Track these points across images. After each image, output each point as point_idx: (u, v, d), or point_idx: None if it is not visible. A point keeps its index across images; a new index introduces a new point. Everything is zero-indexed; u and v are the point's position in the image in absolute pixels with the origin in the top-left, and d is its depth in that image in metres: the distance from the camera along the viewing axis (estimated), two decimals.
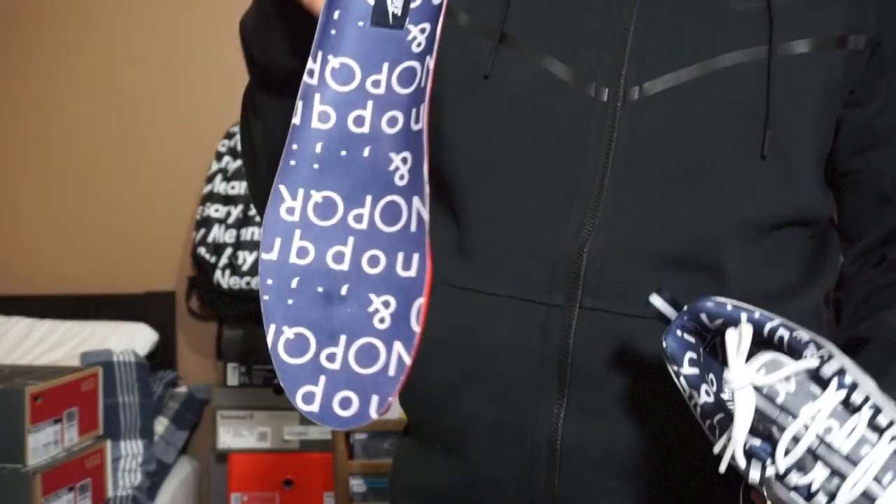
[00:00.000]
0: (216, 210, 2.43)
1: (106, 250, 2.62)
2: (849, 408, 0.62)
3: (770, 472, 0.62)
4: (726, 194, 0.79)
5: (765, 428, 0.62)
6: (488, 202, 0.82)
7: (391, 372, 0.67)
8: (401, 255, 0.68)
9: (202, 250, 2.40)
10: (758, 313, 0.66)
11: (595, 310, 0.78)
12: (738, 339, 0.63)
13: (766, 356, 0.63)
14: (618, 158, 0.79)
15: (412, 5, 0.71)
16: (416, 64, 0.70)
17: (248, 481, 2.37)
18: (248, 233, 2.38)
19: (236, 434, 2.40)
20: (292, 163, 0.71)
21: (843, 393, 0.62)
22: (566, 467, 0.79)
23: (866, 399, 0.62)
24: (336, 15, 0.71)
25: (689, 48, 0.79)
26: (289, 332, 0.69)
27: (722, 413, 0.67)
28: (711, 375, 0.70)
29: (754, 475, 0.63)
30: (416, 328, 0.67)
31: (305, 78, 0.71)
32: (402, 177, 0.69)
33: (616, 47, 0.80)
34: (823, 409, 0.61)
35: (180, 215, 2.61)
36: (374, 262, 0.69)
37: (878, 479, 0.61)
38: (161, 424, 2.35)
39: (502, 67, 0.82)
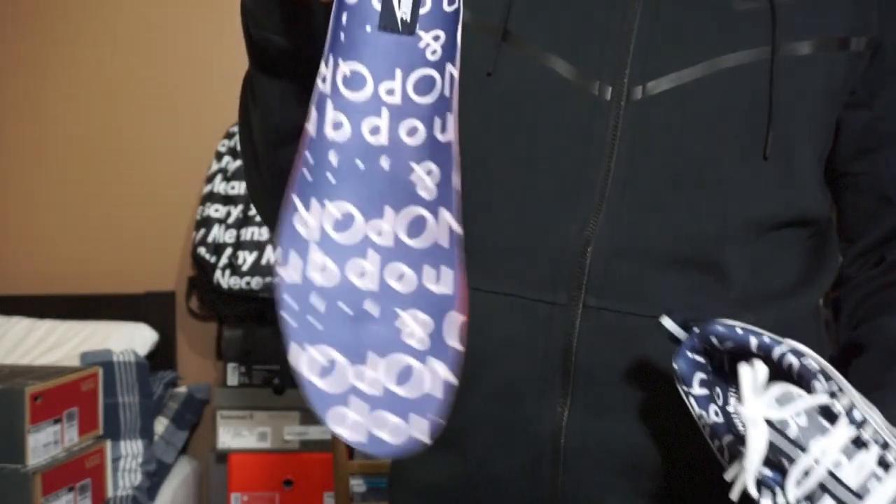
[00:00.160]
0: (216, 210, 2.43)
1: (106, 250, 2.62)
2: (858, 443, 0.64)
3: (780, 501, 0.65)
4: (729, 194, 0.79)
5: (776, 459, 0.64)
6: (491, 200, 0.82)
7: (437, 394, 0.64)
8: (431, 269, 0.66)
9: (202, 250, 2.40)
10: (766, 337, 0.68)
11: (598, 308, 0.78)
12: (753, 376, 0.64)
13: (777, 388, 0.65)
14: (621, 157, 0.79)
15: (422, 11, 0.68)
16: (432, 72, 0.68)
17: (248, 481, 2.37)
18: (248, 233, 2.38)
19: (236, 434, 2.40)
20: (307, 175, 0.68)
21: (853, 430, 0.64)
22: (570, 465, 0.80)
23: (875, 435, 0.65)
24: (344, 19, 0.68)
25: (693, 48, 0.79)
26: (316, 355, 0.65)
27: (731, 435, 0.68)
28: (718, 390, 0.71)
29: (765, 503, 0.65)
30: (456, 346, 0.64)
31: (318, 84, 0.68)
32: (426, 188, 0.67)
33: (620, 46, 0.80)
34: (834, 444, 0.63)
35: (180, 215, 2.61)
36: (401, 276, 0.66)
37: None
38: (161, 424, 2.35)
39: (505, 65, 0.82)
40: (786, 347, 0.67)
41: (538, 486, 0.81)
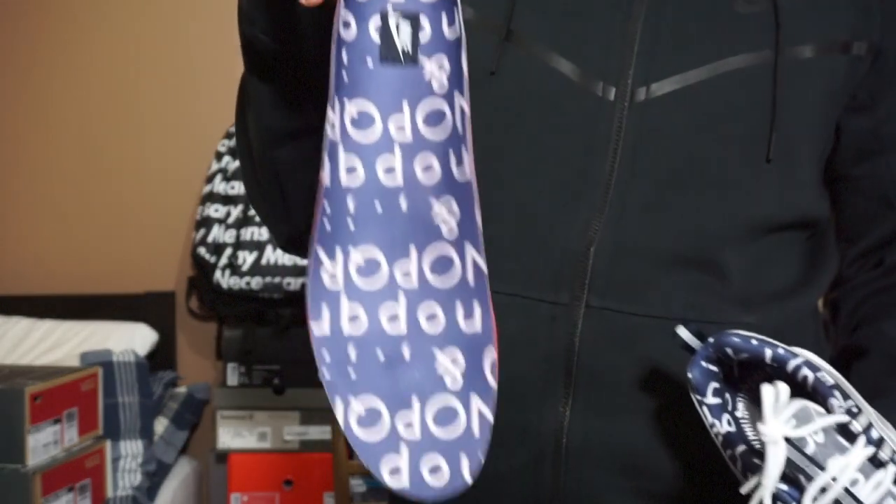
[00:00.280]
0: (216, 210, 2.43)
1: (106, 250, 2.62)
2: (875, 462, 0.65)
3: None
4: (732, 195, 0.80)
5: (792, 474, 0.65)
6: (493, 199, 0.82)
7: (476, 432, 0.64)
8: (460, 307, 0.65)
9: (202, 250, 2.40)
10: (781, 349, 0.68)
11: (601, 308, 0.78)
12: (774, 396, 0.65)
13: (795, 405, 0.66)
14: (624, 158, 0.79)
15: (423, 40, 0.67)
16: (441, 103, 0.67)
17: (248, 481, 2.36)
18: (248, 233, 2.38)
19: (236, 434, 2.40)
20: (327, 225, 0.66)
21: (870, 450, 0.65)
22: (571, 465, 0.80)
23: (893, 455, 0.66)
24: (344, 57, 0.67)
25: (696, 50, 0.79)
26: (357, 406, 0.64)
27: (744, 445, 0.70)
28: (727, 395, 0.72)
29: None
30: (493, 383, 0.64)
31: (327, 131, 0.67)
32: (448, 226, 0.66)
33: (624, 47, 0.80)
34: (851, 463, 0.64)
35: (180, 215, 2.61)
36: (432, 317, 0.66)
37: None
38: (161, 424, 2.34)
39: (508, 64, 0.81)
40: (801, 360, 0.68)
41: (539, 486, 0.81)
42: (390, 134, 0.67)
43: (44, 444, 1.87)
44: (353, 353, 0.65)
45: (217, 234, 2.40)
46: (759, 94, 0.79)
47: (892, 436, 0.67)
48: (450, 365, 0.65)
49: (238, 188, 2.44)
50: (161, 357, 2.51)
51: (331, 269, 0.66)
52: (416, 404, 0.65)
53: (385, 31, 0.66)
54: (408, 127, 0.67)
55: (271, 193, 0.85)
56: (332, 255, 0.66)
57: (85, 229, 2.62)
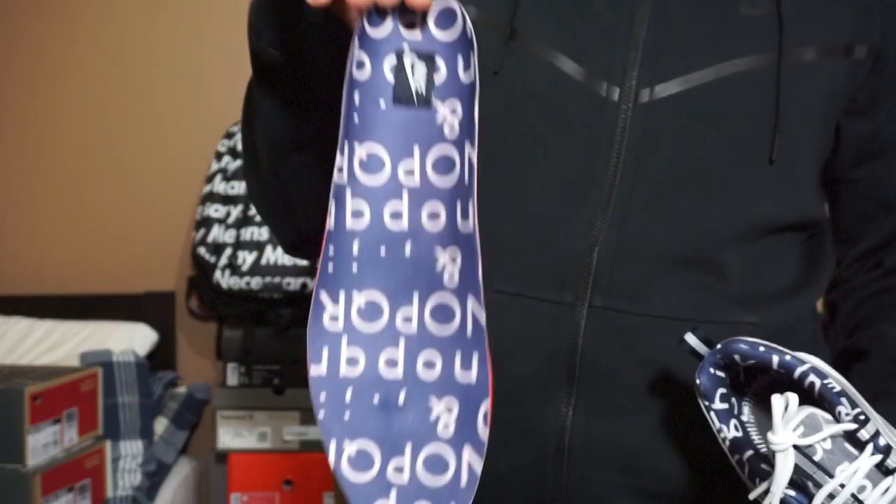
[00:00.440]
0: (216, 210, 2.42)
1: (106, 250, 2.62)
2: (882, 469, 0.66)
3: None
4: (734, 197, 0.80)
5: (801, 481, 0.66)
6: (497, 199, 0.82)
7: (463, 482, 0.64)
8: (458, 357, 0.65)
9: (202, 250, 2.40)
10: (789, 356, 0.69)
11: (604, 308, 0.79)
12: (784, 406, 0.67)
13: (804, 412, 0.67)
14: (628, 159, 0.79)
15: (437, 81, 0.66)
16: (451, 151, 0.66)
17: (248, 481, 2.36)
18: (248, 233, 2.38)
19: (236, 434, 2.40)
20: (330, 268, 0.66)
21: (878, 457, 0.66)
22: (574, 464, 0.80)
23: None
24: (357, 98, 0.66)
25: (701, 52, 0.79)
26: (350, 448, 0.65)
27: (751, 450, 0.71)
28: (734, 400, 0.73)
29: None
30: (484, 435, 0.64)
31: (335, 176, 0.66)
32: (451, 276, 0.66)
33: (628, 48, 0.80)
34: (859, 470, 0.65)
35: (180, 215, 2.61)
36: (429, 365, 0.66)
37: None
38: (161, 424, 2.34)
39: (512, 63, 0.81)
40: (808, 367, 0.68)
41: (541, 485, 0.81)
42: (399, 178, 0.66)
43: (43, 444, 1.87)
44: (349, 394, 0.66)
45: (217, 234, 2.40)
46: (762, 97, 0.79)
47: None
48: (444, 413, 0.65)
49: (238, 188, 2.43)
50: (161, 357, 2.51)
51: (332, 312, 0.66)
52: (407, 449, 0.65)
53: (400, 70, 0.66)
54: (417, 172, 0.66)
55: (277, 202, 0.85)
56: (335, 298, 0.66)
57: (85, 229, 2.62)
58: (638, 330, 0.79)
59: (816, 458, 0.66)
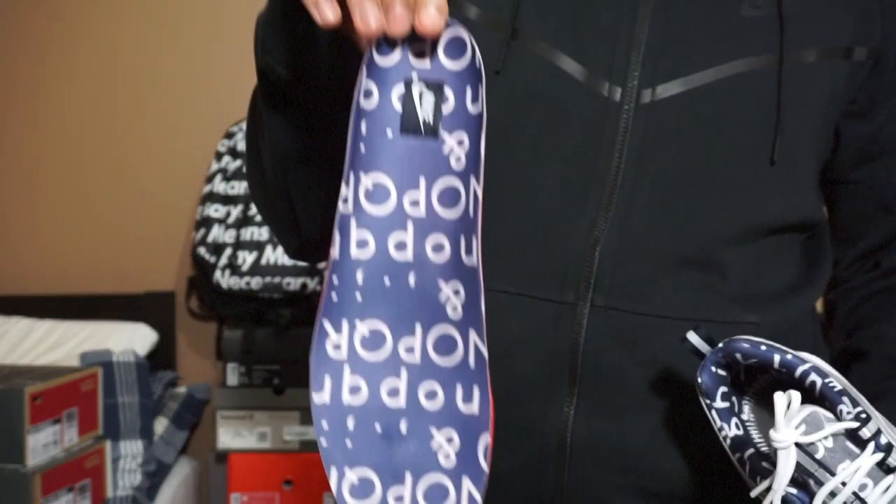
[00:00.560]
0: (216, 210, 2.42)
1: (106, 250, 2.62)
2: (883, 467, 0.66)
3: None
4: (736, 197, 0.80)
5: (802, 479, 0.66)
6: (499, 199, 0.82)
7: None
8: (459, 388, 0.66)
9: (202, 250, 2.40)
10: (790, 355, 0.70)
11: (606, 308, 0.79)
12: (786, 404, 0.67)
13: (806, 411, 0.67)
14: (630, 159, 0.80)
15: (445, 111, 0.66)
16: (457, 183, 0.66)
17: (247, 481, 2.36)
18: (248, 233, 2.38)
19: (236, 434, 2.40)
20: (334, 297, 0.66)
21: (879, 455, 0.66)
22: (575, 464, 0.80)
23: None
24: (363, 127, 0.66)
25: (702, 53, 0.80)
26: (352, 476, 0.65)
27: (752, 449, 0.71)
28: (734, 398, 0.74)
29: None
30: (485, 467, 0.64)
31: (340, 207, 0.66)
32: (454, 308, 0.66)
33: (630, 48, 0.80)
34: (861, 469, 0.66)
35: (180, 215, 2.61)
36: (431, 395, 0.66)
37: None
38: (161, 424, 2.34)
39: (513, 63, 0.81)
40: (809, 366, 0.69)
41: (542, 485, 0.81)
42: (404, 208, 0.66)
43: (43, 444, 1.87)
44: (351, 423, 0.66)
45: (217, 234, 2.40)
46: (763, 98, 0.79)
47: None
48: (445, 444, 0.65)
49: (238, 188, 2.43)
50: (161, 357, 2.51)
51: (336, 340, 0.66)
52: (408, 479, 0.65)
53: (408, 99, 0.65)
54: (422, 203, 0.66)
55: (282, 211, 0.85)
56: (338, 328, 0.66)
57: (85, 229, 2.62)
58: (639, 330, 0.79)
59: (818, 456, 0.66)
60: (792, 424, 0.66)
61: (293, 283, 2.35)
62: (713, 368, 0.73)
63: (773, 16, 0.80)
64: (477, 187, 0.66)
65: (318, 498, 2.37)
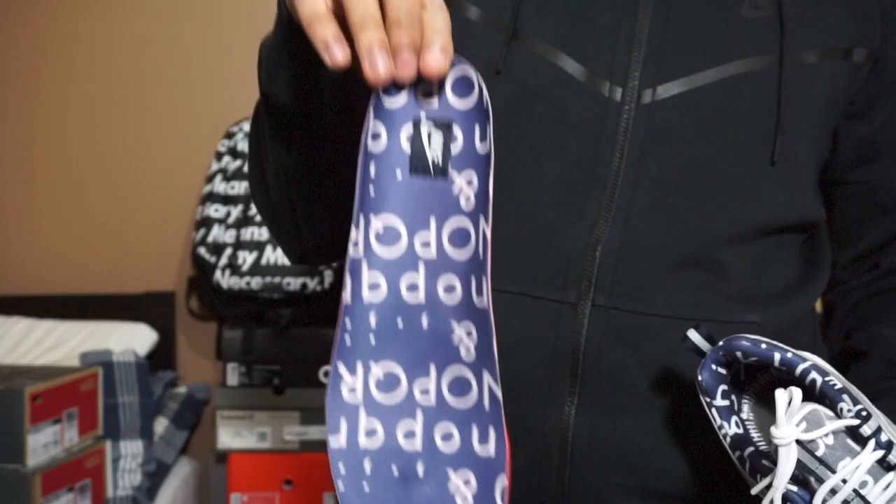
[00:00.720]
0: (216, 210, 2.42)
1: (106, 250, 2.62)
2: (884, 465, 0.66)
3: None
4: (736, 197, 0.80)
5: (803, 476, 0.67)
6: (500, 198, 0.82)
7: None
8: (475, 430, 0.65)
9: (202, 250, 2.40)
10: (790, 353, 0.70)
11: (607, 308, 0.79)
12: (787, 400, 0.67)
13: (806, 409, 0.67)
14: (631, 158, 0.80)
15: (454, 151, 0.65)
16: (467, 223, 0.66)
17: (248, 481, 2.36)
18: (248, 233, 2.38)
19: (236, 434, 2.40)
20: (348, 341, 0.66)
21: (880, 452, 0.66)
22: (576, 464, 0.80)
23: None
24: (372, 170, 0.65)
25: (703, 53, 0.80)
26: None
27: (752, 447, 0.71)
28: (734, 397, 0.74)
29: None
30: None
31: (350, 251, 0.66)
32: (467, 349, 0.66)
33: (630, 48, 0.80)
34: (861, 466, 0.66)
35: (180, 215, 2.61)
36: (447, 437, 0.66)
37: None
38: (161, 425, 2.34)
39: (514, 63, 0.82)
40: (809, 364, 0.69)
41: (544, 485, 0.81)
42: (416, 250, 0.66)
43: (44, 444, 1.87)
44: (368, 466, 0.66)
45: (217, 234, 2.40)
46: (763, 98, 0.80)
47: None
48: (462, 486, 0.65)
49: (238, 188, 2.43)
50: (161, 357, 2.51)
51: (351, 384, 0.66)
52: None
53: (416, 139, 0.65)
54: (433, 244, 0.66)
55: (285, 220, 0.85)
56: (352, 371, 0.66)
57: (85, 229, 2.62)
58: (640, 329, 0.79)
59: (819, 453, 0.66)
60: (793, 421, 0.66)
61: (293, 283, 2.35)
62: (713, 367, 0.73)
63: (773, 16, 0.80)
64: (486, 227, 0.66)
65: (318, 498, 2.37)
